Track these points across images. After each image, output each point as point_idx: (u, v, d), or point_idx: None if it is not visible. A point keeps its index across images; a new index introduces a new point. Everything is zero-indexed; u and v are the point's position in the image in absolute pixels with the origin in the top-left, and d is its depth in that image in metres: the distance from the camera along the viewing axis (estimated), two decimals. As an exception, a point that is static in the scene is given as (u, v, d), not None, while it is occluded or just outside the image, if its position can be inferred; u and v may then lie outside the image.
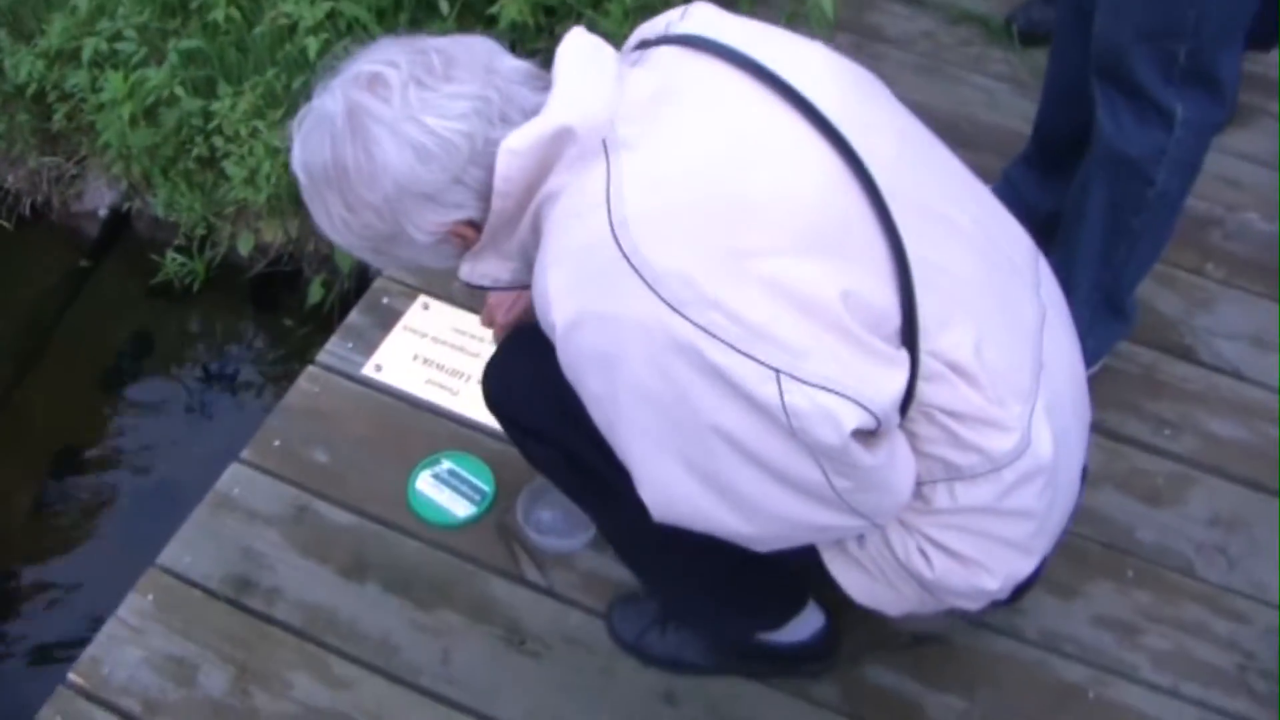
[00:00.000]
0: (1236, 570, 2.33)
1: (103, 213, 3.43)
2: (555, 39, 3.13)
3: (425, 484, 2.39)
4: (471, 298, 2.68)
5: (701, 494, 1.53)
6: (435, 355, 2.60)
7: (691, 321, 1.41)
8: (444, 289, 2.71)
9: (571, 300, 1.46)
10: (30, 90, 3.37)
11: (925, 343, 1.50)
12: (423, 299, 2.70)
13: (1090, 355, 2.45)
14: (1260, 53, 2.97)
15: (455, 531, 2.35)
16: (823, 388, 1.42)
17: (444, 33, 3.06)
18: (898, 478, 1.56)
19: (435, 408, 2.52)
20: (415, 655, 2.20)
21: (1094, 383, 2.52)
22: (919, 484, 1.59)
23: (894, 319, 1.48)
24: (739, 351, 1.41)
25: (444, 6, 3.10)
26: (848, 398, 1.43)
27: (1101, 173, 2.31)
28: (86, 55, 3.24)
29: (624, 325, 1.44)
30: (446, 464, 2.42)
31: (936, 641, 2.23)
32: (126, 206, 3.43)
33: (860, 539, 1.68)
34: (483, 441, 2.46)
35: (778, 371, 1.41)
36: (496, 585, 2.29)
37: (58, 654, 2.62)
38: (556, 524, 2.35)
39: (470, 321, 2.65)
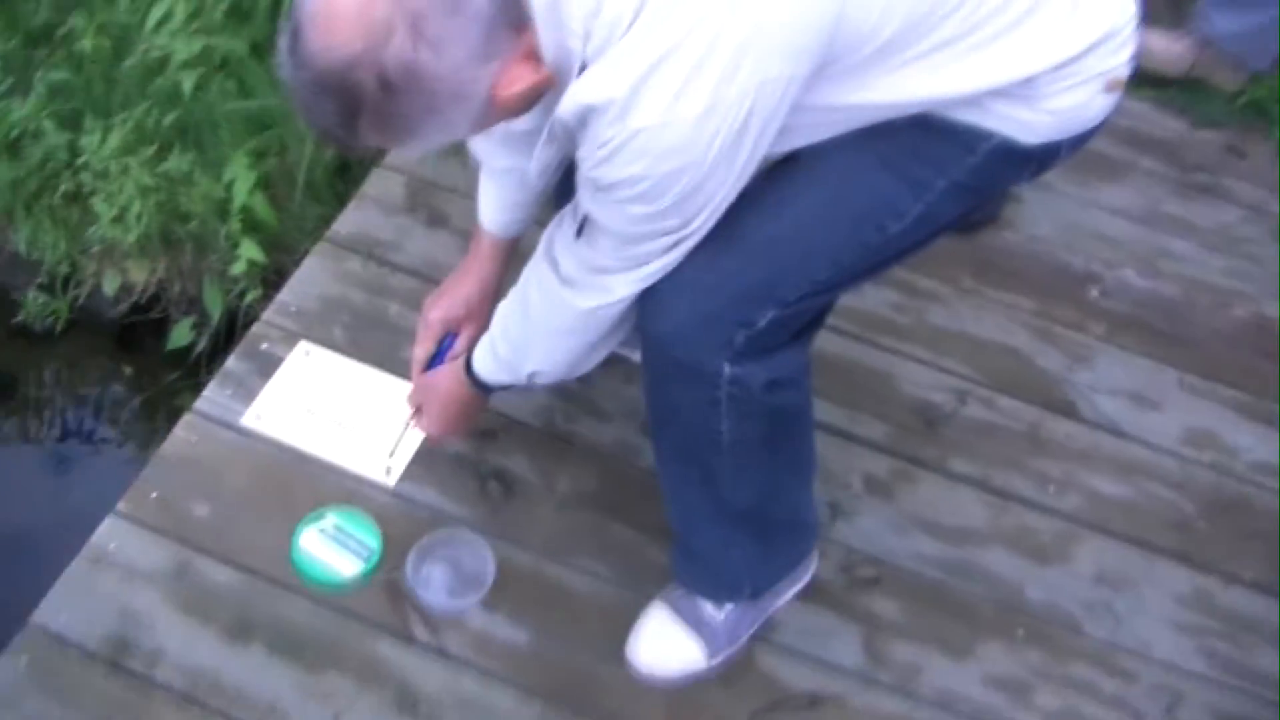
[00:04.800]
0: (1123, 627, 2.36)
1: (-42, 250, 3.29)
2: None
3: (310, 541, 2.31)
4: (354, 345, 2.61)
5: None
6: (318, 404, 2.52)
7: None
8: (325, 335, 2.63)
9: None
10: (-120, 122, 3.20)
11: None
12: (304, 345, 2.61)
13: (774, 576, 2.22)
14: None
15: (342, 590, 2.28)
16: None
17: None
18: None
19: (319, 460, 2.44)
20: (304, 721, 2.13)
21: (978, 441, 2.58)
22: None
23: None
24: None
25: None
26: None
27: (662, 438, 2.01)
28: (-54, 85, 3.11)
29: None
30: (332, 518, 2.34)
31: (833, 703, 2.22)
32: (-15, 244, 3.29)
33: None
34: (368, 495, 2.39)
35: None
36: (386, 647, 2.22)
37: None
38: (447, 582, 2.29)
39: (354, 369, 2.58)
